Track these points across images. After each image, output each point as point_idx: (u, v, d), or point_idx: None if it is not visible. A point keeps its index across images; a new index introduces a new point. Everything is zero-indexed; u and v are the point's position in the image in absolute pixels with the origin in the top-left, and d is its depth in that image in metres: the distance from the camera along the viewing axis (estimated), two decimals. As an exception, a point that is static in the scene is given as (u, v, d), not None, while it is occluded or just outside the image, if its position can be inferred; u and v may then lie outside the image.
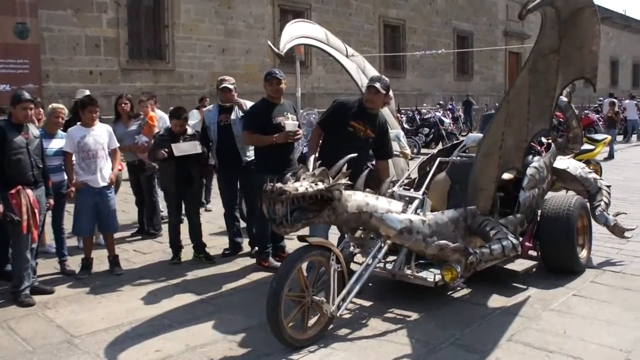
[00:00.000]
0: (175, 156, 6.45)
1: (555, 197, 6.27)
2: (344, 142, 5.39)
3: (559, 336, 4.54)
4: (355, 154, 4.85)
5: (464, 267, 4.70)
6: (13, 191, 5.36)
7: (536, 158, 6.21)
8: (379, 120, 5.71)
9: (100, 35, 15.90)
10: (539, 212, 6.04)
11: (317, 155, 5.39)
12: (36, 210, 5.48)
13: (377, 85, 5.50)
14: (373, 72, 6.91)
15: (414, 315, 5.00)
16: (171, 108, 6.95)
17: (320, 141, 5.77)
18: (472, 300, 5.38)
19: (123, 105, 7.87)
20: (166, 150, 6.41)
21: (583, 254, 6.17)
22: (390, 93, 6.30)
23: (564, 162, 6.55)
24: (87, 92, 8.93)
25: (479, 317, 4.96)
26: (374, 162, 6.13)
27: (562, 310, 5.08)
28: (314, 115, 12.43)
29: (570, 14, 4.85)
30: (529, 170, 5.91)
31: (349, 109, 5.62)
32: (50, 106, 6.58)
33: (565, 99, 6.32)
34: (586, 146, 10.36)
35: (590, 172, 6.70)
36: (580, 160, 7.64)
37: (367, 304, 5.28)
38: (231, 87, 6.70)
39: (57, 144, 6.28)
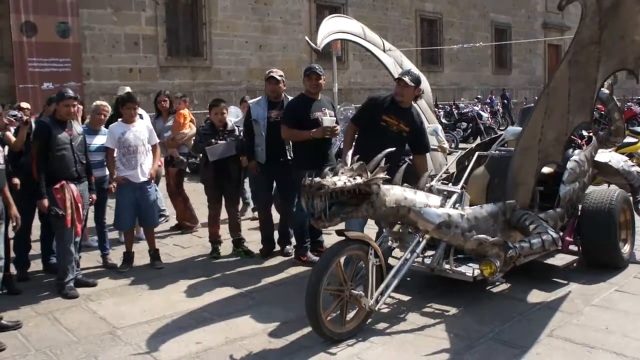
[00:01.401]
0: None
1: (596, 190, 6.17)
2: (377, 137, 5.42)
3: (601, 332, 4.48)
4: (393, 148, 4.87)
5: (503, 262, 4.67)
6: (57, 186, 5.50)
7: (577, 151, 6.12)
8: (413, 114, 5.72)
9: (139, 33, 16.12)
10: (580, 206, 5.95)
11: (352, 150, 5.40)
12: (80, 205, 5.61)
13: (406, 78, 5.51)
14: (410, 66, 6.87)
15: (453, 310, 4.99)
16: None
17: (356, 136, 5.80)
18: (511, 295, 5.34)
19: (162, 102, 8.06)
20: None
21: (626, 248, 6.06)
22: (425, 86, 6.24)
23: (605, 155, 6.43)
24: (128, 89, 9.10)
25: (519, 312, 4.91)
26: (411, 157, 6.09)
27: (604, 306, 5.00)
28: (351, 111, 12.45)
29: (612, 4, 4.76)
30: (570, 164, 5.82)
31: (381, 103, 5.65)
32: (94, 103, 6.72)
33: (606, 91, 6.20)
34: (629, 139, 10.15)
35: (633, 165, 6.55)
36: (623, 154, 7.49)
37: (405, 298, 5.28)
38: (279, 78, 6.51)
39: (100, 140, 6.41)
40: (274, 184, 6.82)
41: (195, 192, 8.88)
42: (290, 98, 6.62)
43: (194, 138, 8.01)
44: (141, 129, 6.45)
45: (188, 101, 8.78)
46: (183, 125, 7.91)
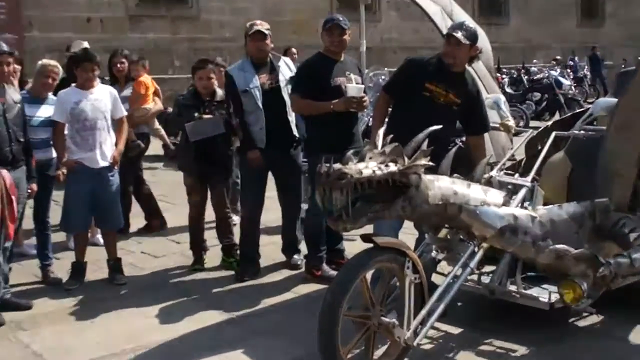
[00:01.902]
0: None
1: None
2: (418, 111, 5.46)
3: None
4: (440, 126, 4.85)
5: (593, 284, 4.63)
6: (-17, 172, 5.48)
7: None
8: (467, 82, 5.75)
9: (102, -30, 16.20)
10: None
11: (385, 128, 5.36)
12: (13, 198, 5.56)
13: (459, 34, 5.49)
14: (464, 18, 6.90)
15: (521, 350, 4.95)
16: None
17: (390, 109, 5.83)
18: (606, 331, 5.30)
19: (119, 65, 8.04)
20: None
21: None
22: (484, 44, 6.19)
23: None
24: (86, 45, 9.11)
25: (617, 356, 4.87)
26: (463, 138, 6.16)
27: None
28: (383, 77, 12.45)
29: None
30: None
31: (424, 67, 5.70)
32: (39, 63, 6.73)
33: None
34: None
35: None
36: None
37: (455, 330, 5.26)
38: (266, 32, 6.54)
39: (45, 111, 6.43)
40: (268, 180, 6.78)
41: (174, 182, 8.89)
42: (283, 58, 6.74)
43: (169, 113, 8.01)
44: (102, 97, 6.45)
45: (148, 65, 8.73)
46: (144, 98, 7.89)
